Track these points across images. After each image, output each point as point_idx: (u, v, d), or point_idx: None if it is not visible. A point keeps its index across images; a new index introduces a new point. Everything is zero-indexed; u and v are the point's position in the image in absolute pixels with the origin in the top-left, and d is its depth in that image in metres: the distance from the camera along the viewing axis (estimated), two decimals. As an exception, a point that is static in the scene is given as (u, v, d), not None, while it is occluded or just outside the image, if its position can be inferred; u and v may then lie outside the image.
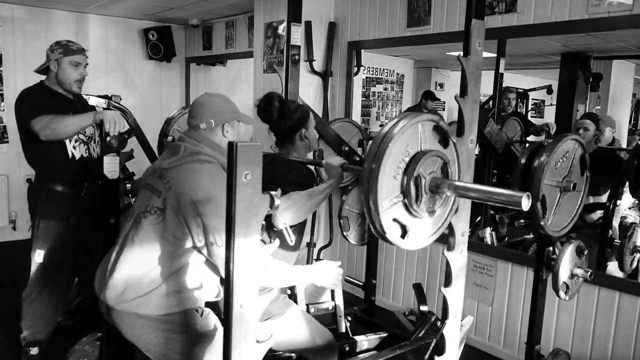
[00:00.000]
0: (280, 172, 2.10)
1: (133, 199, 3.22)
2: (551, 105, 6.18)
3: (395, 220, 1.46)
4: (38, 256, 2.76)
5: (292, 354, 2.31)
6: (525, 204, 1.30)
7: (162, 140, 3.16)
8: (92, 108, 2.94)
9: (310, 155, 2.54)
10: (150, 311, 1.77)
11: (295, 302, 2.52)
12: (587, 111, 5.12)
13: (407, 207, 1.46)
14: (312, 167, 2.35)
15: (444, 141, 1.56)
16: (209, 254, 1.73)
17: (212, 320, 1.86)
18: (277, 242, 1.37)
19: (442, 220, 1.62)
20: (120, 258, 1.84)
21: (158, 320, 1.78)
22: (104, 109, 3.06)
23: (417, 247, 1.55)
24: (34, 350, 2.79)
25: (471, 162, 1.78)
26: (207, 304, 1.92)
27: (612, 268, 3.10)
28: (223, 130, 1.94)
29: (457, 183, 1.48)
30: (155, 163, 1.96)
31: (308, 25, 4.07)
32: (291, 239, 1.68)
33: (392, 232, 1.45)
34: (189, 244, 1.77)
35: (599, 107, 5.44)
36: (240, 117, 2.01)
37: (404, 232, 1.50)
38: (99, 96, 3.43)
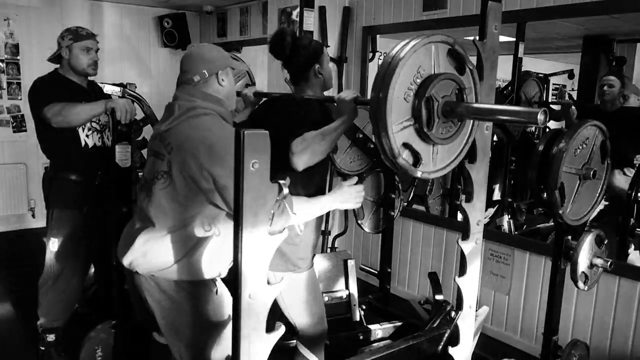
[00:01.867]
0: (295, 112, 2.03)
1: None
2: (572, 90, 6.05)
3: (406, 145, 1.41)
4: (53, 245, 2.78)
5: (293, 342, 2.28)
6: (542, 119, 1.25)
7: None
8: (107, 97, 2.94)
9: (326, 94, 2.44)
10: (168, 275, 1.77)
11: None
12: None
13: (418, 132, 1.41)
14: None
15: (460, 68, 1.50)
16: (223, 199, 1.71)
17: (225, 302, 1.85)
18: (286, 232, 1.34)
19: (457, 151, 1.56)
20: (139, 226, 1.84)
21: (176, 287, 1.78)
22: (119, 97, 3.06)
23: (429, 176, 1.49)
24: (51, 337, 2.82)
25: (487, 147, 1.74)
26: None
27: (634, 258, 3.03)
28: (218, 79, 1.88)
29: (473, 105, 1.41)
30: (155, 127, 1.93)
31: (322, 10, 4.01)
32: (300, 229, 1.65)
33: (402, 157, 1.40)
34: (199, 202, 1.75)
35: (622, 91, 5.30)
36: (233, 63, 1.96)
37: (417, 160, 1.45)
38: (114, 84, 3.44)
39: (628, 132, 3.19)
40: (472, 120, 1.57)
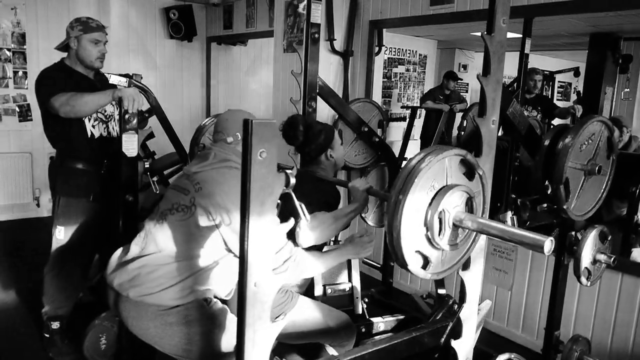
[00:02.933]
0: (307, 191, 2.07)
1: (153, 178, 3.24)
2: (578, 91, 6.03)
3: (417, 251, 1.46)
4: (59, 233, 2.79)
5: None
6: (547, 248, 1.28)
7: (194, 147, 3.16)
8: (112, 87, 2.95)
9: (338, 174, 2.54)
10: (157, 301, 1.78)
11: (312, 283, 2.52)
12: (615, 93, 4.99)
13: (429, 240, 1.46)
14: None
15: (470, 173, 1.55)
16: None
17: (219, 305, 1.86)
18: (291, 221, 1.35)
19: (462, 253, 1.61)
20: (140, 251, 1.88)
21: (165, 312, 1.78)
22: (125, 87, 3.06)
23: (437, 277, 1.56)
24: (55, 325, 2.85)
25: (493, 143, 1.74)
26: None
27: (637, 254, 3.03)
28: None
29: (480, 220, 1.47)
30: (184, 168, 2.02)
31: (329, 3, 4.01)
32: (307, 218, 1.67)
33: (413, 263, 1.46)
34: (213, 243, 1.79)
35: (628, 89, 5.29)
36: None
37: (425, 263, 1.50)
38: (120, 75, 3.44)
39: (628, 179, 3.15)
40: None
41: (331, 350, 2.24)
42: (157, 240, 1.85)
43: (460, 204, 1.48)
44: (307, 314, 2.19)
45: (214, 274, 1.82)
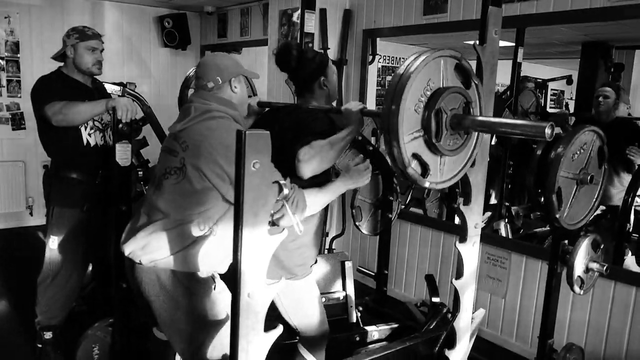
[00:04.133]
0: (300, 121, 2.06)
1: (146, 187, 3.23)
2: (571, 99, 6.07)
3: (415, 156, 1.45)
4: (52, 242, 2.78)
5: (295, 341, 2.29)
6: (549, 133, 1.30)
7: (183, 93, 3.12)
8: (109, 96, 2.95)
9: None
10: (169, 265, 1.80)
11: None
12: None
13: (427, 143, 1.45)
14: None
15: (466, 82, 1.54)
16: None
17: (224, 300, 1.86)
18: (285, 232, 1.36)
19: (463, 163, 1.60)
20: (145, 220, 1.89)
21: (175, 280, 1.81)
22: (118, 96, 3.06)
23: (436, 187, 1.54)
24: (48, 335, 2.82)
25: (485, 152, 1.76)
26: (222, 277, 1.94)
27: (629, 263, 3.05)
28: (231, 86, 1.97)
29: (479, 118, 1.47)
30: (169, 127, 2.00)
31: (323, 12, 4.03)
32: (300, 229, 1.66)
33: (412, 167, 1.45)
34: (209, 200, 1.80)
35: (620, 98, 5.32)
36: (245, 72, 2.04)
37: (424, 171, 1.49)
38: (114, 83, 3.44)
39: (622, 142, 3.25)
40: (477, 133, 1.61)
41: (308, 356, 2.23)
42: (159, 207, 1.86)
43: (457, 108, 1.48)
44: (307, 298, 2.20)
45: (219, 235, 1.83)
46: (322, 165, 1.92)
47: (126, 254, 1.88)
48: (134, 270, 1.88)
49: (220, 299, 1.87)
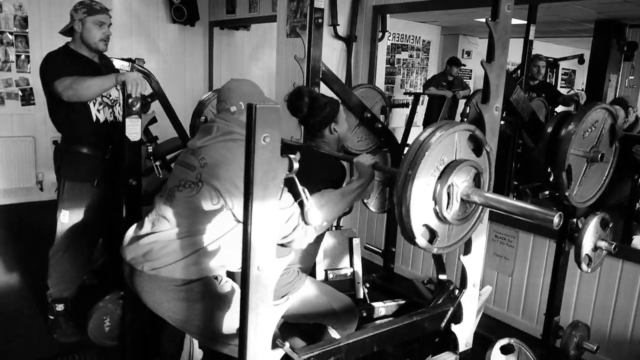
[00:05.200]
0: (313, 168, 2.07)
1: (156, 163, 3.25)
2: (582, 88, 6.00)
3: (425, 225, 1.47)
4: (63, 217, 2.81)
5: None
6: (557, 222, 1.31)
7: (195, 120, 3.16)
8: (117, 71, 2.94)
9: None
10: (170, 274, 1.81)
11: (315, 267, 2.54)
12: (619, 81, 4.96)
13: (437, 214, 1.48)
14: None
15: (478, 150, 1.56)
16: None
17: (230, 284, 1.89)
18: (292, 254, 1.38)
19: (469, 226, 1.63)
20: (150, 228, 1.91)
21: (177, 287, 1.82)
22: (127, 71, 3.04)
23: (443, 252, 1.58)
24: (60, 307, 2.88)
25: (496, 129, 1.75)
26: (228, 273, 1.96)
27: (638, 242, 3.05)
28: None
29: (488, 194, 1.49)
30: (188, 143, 2.02)
31: (333, -13, 3.98)
32: (309, 201, 1.69)
33: (421, 236, 1.47)
34: (222, 216, 1.81)
35: (632, 77, 5.26)
36: (266, 99, 2.07)
37: (432, 237, 1.51)
38: (123, 59, 3.43)
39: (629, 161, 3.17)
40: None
41: (333, 333, 2.26)
42: (168, 218, 1.88)
43: (468, 179, 1.50)
44: (313, 295, 2.21)
45: (224, 247, 1.84)
46: (330, 216, 1.93)
47: (127, 259, 1.90)
48: (134, 278, 1.90)
49: (226, 288, 1.87)
